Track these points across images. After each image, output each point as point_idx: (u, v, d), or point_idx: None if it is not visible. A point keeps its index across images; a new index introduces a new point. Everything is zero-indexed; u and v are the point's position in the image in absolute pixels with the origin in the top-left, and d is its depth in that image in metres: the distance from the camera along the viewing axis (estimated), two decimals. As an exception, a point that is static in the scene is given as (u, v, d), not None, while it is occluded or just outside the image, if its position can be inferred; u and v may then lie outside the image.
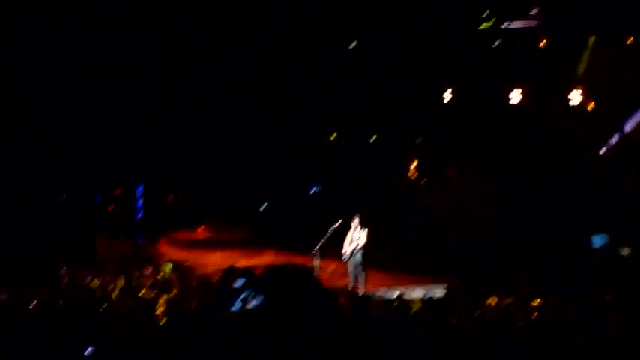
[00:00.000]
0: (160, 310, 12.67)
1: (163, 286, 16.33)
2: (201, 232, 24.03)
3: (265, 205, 24.50)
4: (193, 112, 23.80)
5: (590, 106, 22.84)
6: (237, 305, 10.30)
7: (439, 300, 14.71)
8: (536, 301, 13.67)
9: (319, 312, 10.03)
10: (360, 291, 18.16)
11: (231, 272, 11.59)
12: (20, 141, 22.45)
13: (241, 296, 10.25)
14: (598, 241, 20.35)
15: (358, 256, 18.60)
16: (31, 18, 21.56)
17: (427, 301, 14.20)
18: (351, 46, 23.39)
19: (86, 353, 10.15)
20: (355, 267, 18.70)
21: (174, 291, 15.78)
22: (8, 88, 22.11)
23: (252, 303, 10.22)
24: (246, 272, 11.01)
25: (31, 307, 12.48)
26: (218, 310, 11.01)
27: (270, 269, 11.32)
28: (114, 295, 15.17)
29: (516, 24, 22.72)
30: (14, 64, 21.90)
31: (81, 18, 22.08)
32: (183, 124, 23.69)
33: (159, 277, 17.11)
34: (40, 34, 21.83)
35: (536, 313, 13.14)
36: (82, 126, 23.22)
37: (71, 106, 22.95)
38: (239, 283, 10.42)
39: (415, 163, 24.42)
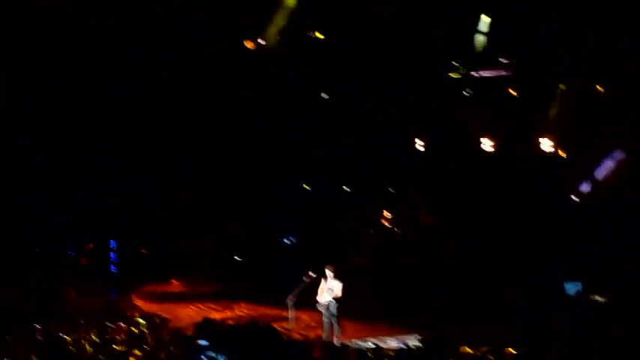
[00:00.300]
0: (133, 364, 12.69)
1: (136, 340, 16.30)
2: (174, 286, 23.91)
3: (239, 258, 24.55)
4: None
5: (561, 153, 22.96)
6: None
7: (413, 350, 14.65)
8: (510, 350, 13.64)
9: None
10: (335, 342, 17.99)
11: (201, 328, 11.61)
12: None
13: (209, 355, 10.37)
14: (572, 288, 20.37)
15: (332, 306, 18.37)
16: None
17: (401, 352, 14.20)
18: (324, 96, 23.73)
19: None
20: (330, 317, 18.48)
21: (147, 345, 15.77)
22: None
23: None
24: (214, 329, 11.04)
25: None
26: None
27: (236, 327, 11.31)
28: (87, 349, 15.18)
29: (486, 72, 22.93)
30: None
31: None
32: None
33: (132, 331, 17.03)
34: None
35: None
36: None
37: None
38: (205, 342, 10.53)
39: (388, 213, 24.58)
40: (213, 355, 10.42)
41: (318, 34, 22.58)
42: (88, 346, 15.37)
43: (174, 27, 22.64)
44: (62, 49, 22.22)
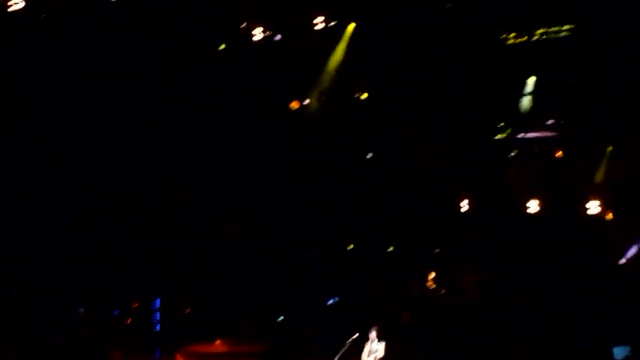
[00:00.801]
0: None
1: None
2: (218, 345, 23.82)
3: (282, 317, 24.43)
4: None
5: (609, 215, 22.85)
6: None
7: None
8: None
9: None
10: None
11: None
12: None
13: None
14: (620, 352, 20.38)
15: None
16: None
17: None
18: None
19: None
20: None
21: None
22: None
23: None
24: None
25: None
26: None
27: None
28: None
29: (532, 134, 22.93)
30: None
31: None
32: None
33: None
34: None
35: None
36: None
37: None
38: None
39: (433, 274, 24.55)
40: None
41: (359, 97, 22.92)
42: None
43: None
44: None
